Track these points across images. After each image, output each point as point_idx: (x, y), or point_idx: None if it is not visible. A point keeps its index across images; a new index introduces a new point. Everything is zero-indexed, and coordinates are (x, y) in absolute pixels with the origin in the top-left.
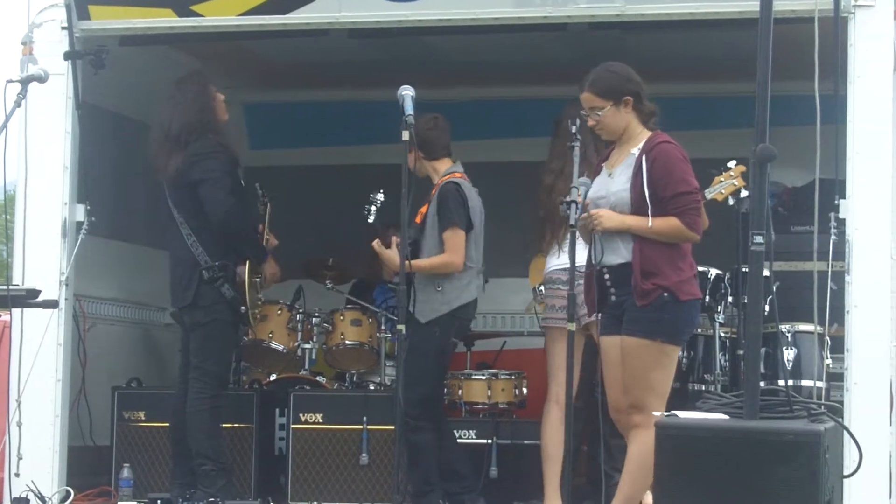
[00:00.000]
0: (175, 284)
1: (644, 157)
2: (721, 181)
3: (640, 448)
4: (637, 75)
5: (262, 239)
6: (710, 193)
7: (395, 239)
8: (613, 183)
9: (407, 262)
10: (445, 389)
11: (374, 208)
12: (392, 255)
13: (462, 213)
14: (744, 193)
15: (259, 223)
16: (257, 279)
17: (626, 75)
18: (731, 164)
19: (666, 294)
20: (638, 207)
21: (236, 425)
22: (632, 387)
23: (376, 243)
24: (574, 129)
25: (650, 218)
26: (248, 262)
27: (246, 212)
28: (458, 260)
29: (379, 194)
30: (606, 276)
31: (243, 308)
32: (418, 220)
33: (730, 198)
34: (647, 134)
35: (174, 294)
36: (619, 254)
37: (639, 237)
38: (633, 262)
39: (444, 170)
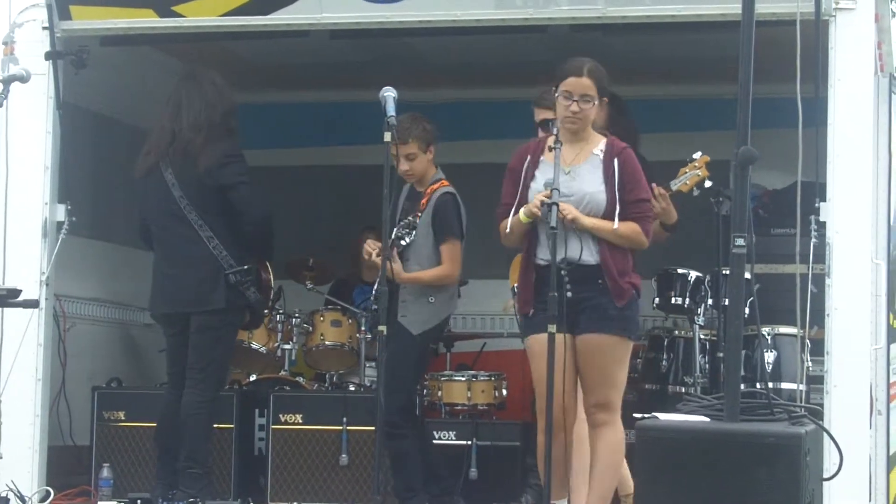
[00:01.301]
0: (188, 286)
1: (616, 160)
2: (685, 172)
3: (607, 446)
4: None
5: None
6: (675, 185)
7: (395, 250)
8: (583, 182)
9: (406, 275)
10: (426, 391)
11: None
12: (396, 267)
13: (459, 224)
14: (707, 184)
15: None
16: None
17: (607, 77)
18: (696, 155)
19: (634, 292)
20: (609, 209)
21: (216, 426)
22: (599, 385)
23: (369, 245)
24: (555, 131)
25: (616, 221)
26: (269, 264)
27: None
28: (456, 272)
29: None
30: (564, 273)
31: (266, 310)
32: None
33: (694, 189)
34: (601, 137)
35: (186, 296)
36: (589, 253)
37: (601, 240)
38: (606, 261)
39: (433, 175)
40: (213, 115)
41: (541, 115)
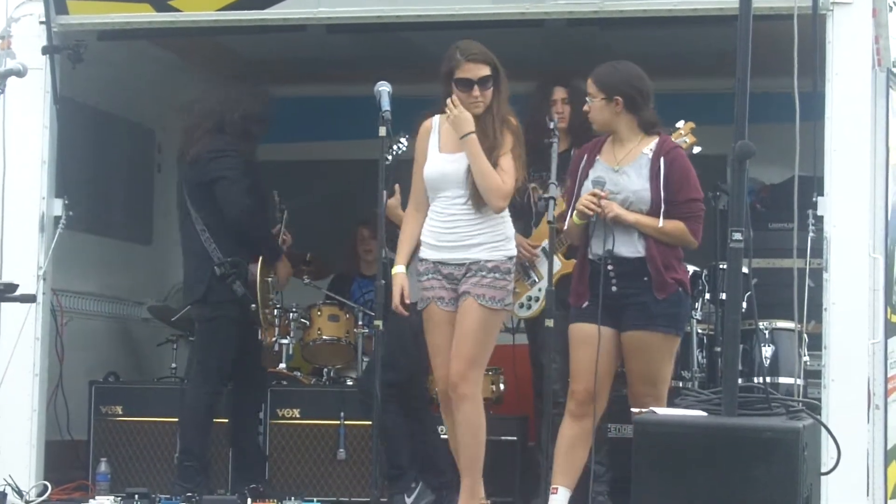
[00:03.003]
0: (186, 278)
1: (662, 160)
2: None
3: None
4: (643, 83)
5: (278, 239)
6: None
7: (397, 187)
8: (629, 180)
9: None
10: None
11: (396, 150)
12: (394, 203)
13: None
14: (696, 150)
15: (276, 224)
16: (269, 278)
17: (626, 77)
18: (680, 123)
19: (680, 288)
20: (655, 207)
21: (216, 420)
22: (649, 380)
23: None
24: (552, 126)
25: (661, 219)
26: (260, 260)
27: (263, 211)
28: None
29: (402, 139)
30: (610, 268)
31: (253, 305)
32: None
33: None
34: (651, 138)
35: (184, 288)
36: (634, 247)
37: (647, 234)
38: (652, 255)
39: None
40: (231, 110)
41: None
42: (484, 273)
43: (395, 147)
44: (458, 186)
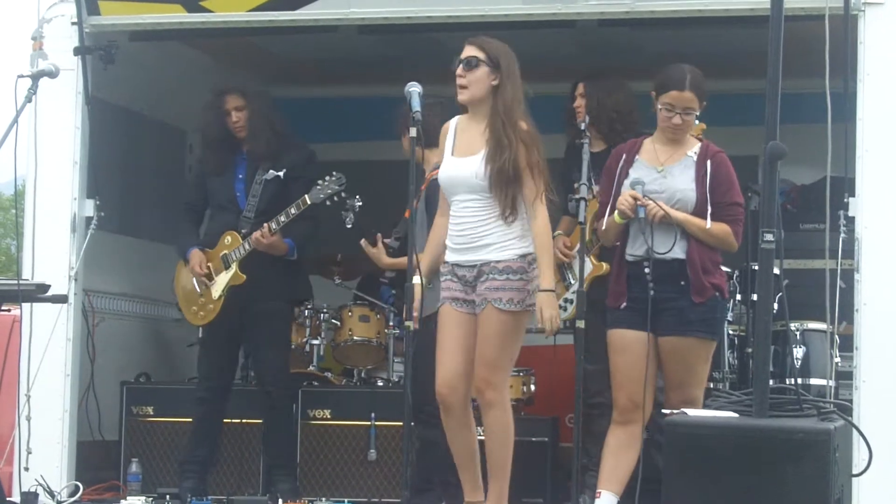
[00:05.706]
0: None
1: (708, 162)
2: None
3: None
4: None
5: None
6: None
7: (379, 236)
8: (675, 180)
9: (388, 261)
10: None
11: (351, 214)
12: (377, 252)
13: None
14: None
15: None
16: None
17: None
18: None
19: (717, 293)
20: (699, 209)
21: (245, 421)
22: (686, 384)
23: (363, 242)
24: (583, 126)
25: (709, 220)
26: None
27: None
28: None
29: (355, 200)
30: (647, 271)
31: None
32: (407, 214)
33: None
34: (694, 142)
35: None
36: (675, 249)
37: (689, 237)
38: (692, 258)
39: (435, 162)
40: None
41: None
42: (495, 275)
43: (350, 211)
44: (468, 190)
